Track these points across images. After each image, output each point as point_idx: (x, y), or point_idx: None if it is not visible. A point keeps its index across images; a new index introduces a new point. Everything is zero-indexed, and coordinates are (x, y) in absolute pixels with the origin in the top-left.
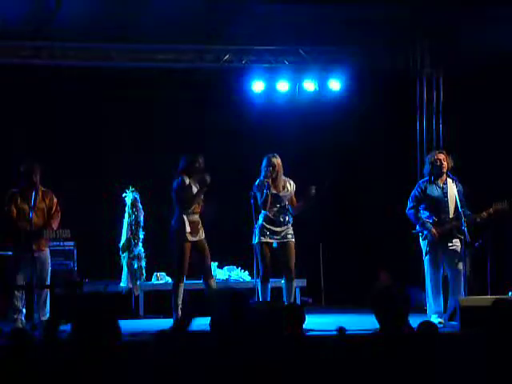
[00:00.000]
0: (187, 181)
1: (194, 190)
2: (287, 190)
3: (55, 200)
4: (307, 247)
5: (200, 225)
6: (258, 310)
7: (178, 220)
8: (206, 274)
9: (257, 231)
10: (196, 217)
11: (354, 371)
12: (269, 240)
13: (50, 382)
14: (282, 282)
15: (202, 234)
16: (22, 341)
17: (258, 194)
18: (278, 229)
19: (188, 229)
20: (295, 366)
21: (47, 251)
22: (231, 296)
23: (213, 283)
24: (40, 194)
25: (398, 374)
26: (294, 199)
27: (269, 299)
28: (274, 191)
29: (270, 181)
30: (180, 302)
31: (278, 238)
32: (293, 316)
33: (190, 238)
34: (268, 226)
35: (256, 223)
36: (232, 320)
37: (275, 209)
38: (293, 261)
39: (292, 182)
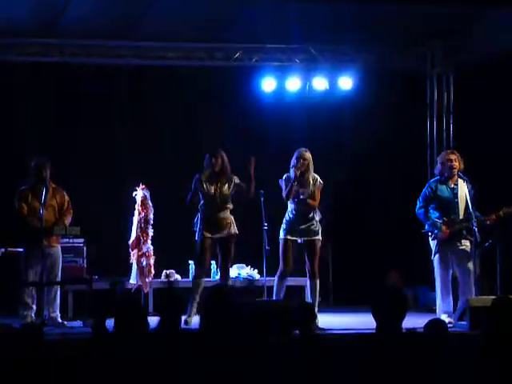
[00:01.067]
0: (201, 179)
1: (208, 188)
2: (311, 185)
3: (67, 197)
4: None
5: (227, 221)
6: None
7: (197, 216)
8: (221, 275)
9: (282, 227)
10: (219, 214)
11: (363, 369)
12: (293, 238)
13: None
14: (307, 280)
15: (228, 232)
16: (33, 337)
17: (284, 187)
18: (303, 226)
19: (204, 225)
20: (307, 364)
21: (58, 247)
22: (215, 292)
23: (227, 279)
24: (50, 190)
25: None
26: (316, 196)
27: (282, 296)
28: (301, 189)
29: (299, 173)
30: (197, 297)
31: (303, 235)
32: (305, 314)
33: (206, 234)
34: (293, 224)
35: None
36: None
37: (299, 204)
38: (317, 258)
39: (318, 178)
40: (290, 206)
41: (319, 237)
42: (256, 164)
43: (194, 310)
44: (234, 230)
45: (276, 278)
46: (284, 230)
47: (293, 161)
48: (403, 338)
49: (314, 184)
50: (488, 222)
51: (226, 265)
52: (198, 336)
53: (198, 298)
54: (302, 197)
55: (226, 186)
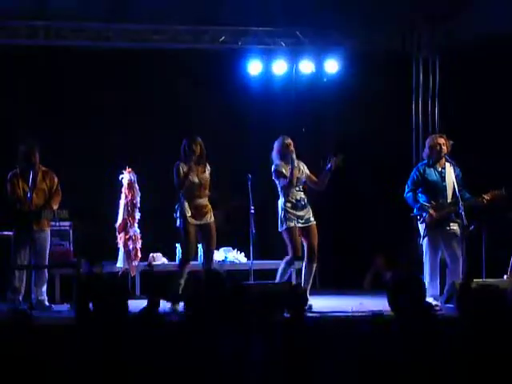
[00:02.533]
0: (182, 167)
1: (191, 175)
2: (302, 173)
3: (56, 180)
4: None
5: (207, 208)
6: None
7: (179, 204)
8: (205, 260)
9: (282, 218)
10: (201, 201)
11: (355, 351)
12: (296, 224)
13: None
14: (303, 264)
15: (209, 218)
16: (22, 321)
17: (280, 175)
18: (301, 213)
19: (188, 213)
20: (296, 347)
21: (48, 231)
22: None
23: (211, 265)
24: (40, 174)
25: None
26: (313, 176)
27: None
28: (298, 175)
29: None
30: (182, 282)
31: (302, 221)
32: (295, 297)
33: (192, 221)
34: (291, 211)
35: (280, 210)
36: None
37: (294, 192)
38: (316, 242)
39: (303, 163)
40: (287, 194)
41: (314, 221)
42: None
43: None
44: (212, 217)
45: (283, 263)
46: (286, 218)
47: (277, 148)
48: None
49: (303, 170)
50: (482, 201)
51: (210, 251)
52: (184, 321)
53: (183, 284)
54: (301, 187)
55: (206, 172)
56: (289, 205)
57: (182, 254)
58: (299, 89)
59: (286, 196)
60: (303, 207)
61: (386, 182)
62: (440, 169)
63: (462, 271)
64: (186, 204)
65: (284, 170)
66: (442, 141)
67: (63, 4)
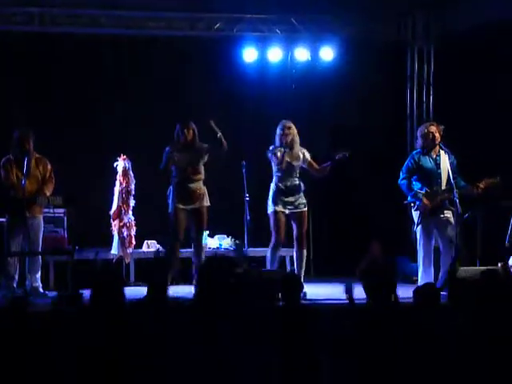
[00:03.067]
0: (172, 151)
1: (178, 159)
2: (300, 159)
3: (49, 167)
4: None
5: (199, 192)
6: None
7: (169, 188)
8: (194, 246)
9: (270, 201)
10: (192, 185)
11: (349, 338)
12: (282, 209)
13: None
14: (294, 251)
15: (200, 202)
16: (20, 307)
17: (273, 158)
18: (291, 198)
19: (176, 197)
20: (292, 334)
21: (41, 218)
22: (221, 263)
23: (201, 253)
24: (34, 161)
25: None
26: (315, 164)
27: (276, 267)
28: (288, 160)
29: (288, 140)
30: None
31: (291, 207)
32: (291, 285)
33: (180, 205)
34: (281, 196)
35: (270, 193)
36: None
37: (288, 178)
38: (304, 229)
39: (306, 151)
40: (278, 178)
41: (306, 208)
42: (215, 122)
43: (169, 281)
44: (207, 201)
45: (269, 249)
46: (273, 202)
47: (278, 133)
48: (396, 308)
49: (304, 158)
50: (476, 189)
51: (199, 236)
52: (193, 305)
53: (172, 270)
54: (294, 174)
55: (198, 157)
56: (278, 189)
57: (170, 239)
58: (294, 76)
59: (277, 180)
60: (294, 193)
61: (380, 169)
62: (435, 156)
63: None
64: (175, 189)
65: (279, 153)
66: (433, 128)
67: None
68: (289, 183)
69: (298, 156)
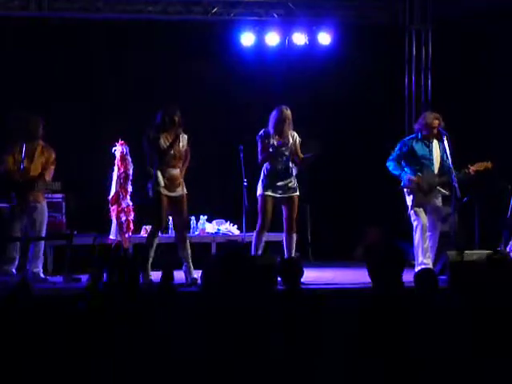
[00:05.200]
0: (156, 135)
1: (163, 144)
2: (290, 142)
3: (53, 155)
4: None
5: (179, 180)
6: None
7: (153, 173)
8: (179, 233)
9: (260, 184)
10: (174, 172)
11: (349, 323)
12: (271, 194)
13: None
14: (283, 235)
15: (181, 190)
16: (24, 291)
17: (260, 145)
18: (281, 182)
19: (162, 183)
20: (293, 319)
21: (44, 204)
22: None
23: (185, 243)
24: (39, 148)
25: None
26: (299, 152)
27: (261, 252)
28: (282, 146)
29: (276, 136)
30: (153, 254)
31: (281, 192)
32: (291, 269)
33: (164, 192)
34: (271, 180)
35: (261, 175)
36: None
37: (279, 160)
38: (295, 214)
39: (296, 135)
40: (270, 160)
41: (297, 193)
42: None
43: (149, 267)
44: (184, 190)
45: (255, 233)
46: (263, 185)
47: (272, 118)
48: (403, 294)
49: (294, 141)
50: (469, 172)
51: (181, 224)
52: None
53: (153, 255)
54: (285, 156)
55: (181, 143)
56: (269, 172)
57: (153, 224)
58: (292, 60)
59: (269, 163)
60: (285, 177)
61: (378, 153)
62: (428, 143)
63: (453, 243)
64: (160, 174)
65: (268, 141)
66: (436, 122)
67: None
68: (280, 166)
69: (289, 138)
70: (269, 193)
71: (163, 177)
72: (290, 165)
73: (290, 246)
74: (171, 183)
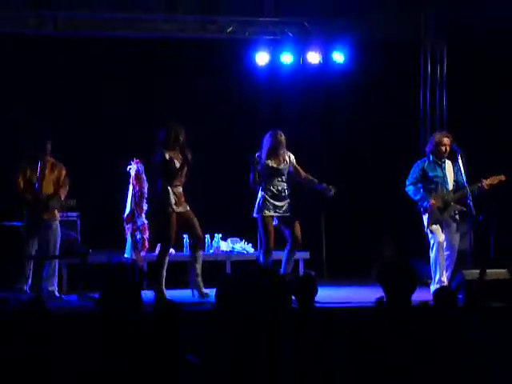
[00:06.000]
0: (167, 155)
1: (176, 163)
2: (286, 163)
3: (64, 172)
4: (309, 220)
5: (183, 198)
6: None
7: (163, 191)
8: (195, 242)
9: (259, 205)
10: (180, 189)
11: (364, 342)
12: (272, 214)
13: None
14: (284, 252)
15: (186, 206)
16: (41, 311)
17: (252, 166)
18: (280, 203)
19: (173, 200)
20: (307, 337)
21: (57, 222)
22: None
23: (199, 253)
24: (49, 165)
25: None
26: (299, 169)
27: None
28: (274, 165)
29: (272, 159)
30: (165, 272)
31: (281, 212)
32: (305, 288)
33: (175, 208)
34: (270, 200)
35: (259, 196)
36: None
37: (276, 182)
38: (298, 231)
39: (291, 155)
40: (265, 183)
41: (294, 213)
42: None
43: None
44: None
45: (261, 255)
46: (262, 207)
47: (266, 142)
48: (414, 311)
49: (290, 160)
50: (482, 186)
51: (199, 237)
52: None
53: (165, 274)
54: (282, 177)
55: (184, 161)
56: (269, 193)
57: (165, 241)
58: (306, 79)
59: (266, 185)
60: (283, 198)
61: (394, 171)
62: (440, 163)
63: (467, 262)
64: (171, 190)
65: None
66: (446, 141)
67: None
68: (280, 188)
69: (285, 160)
70: (268, 213)
71: (173, 193)
72: (285, 186)
73: (288, 264)
74: (178, 200)
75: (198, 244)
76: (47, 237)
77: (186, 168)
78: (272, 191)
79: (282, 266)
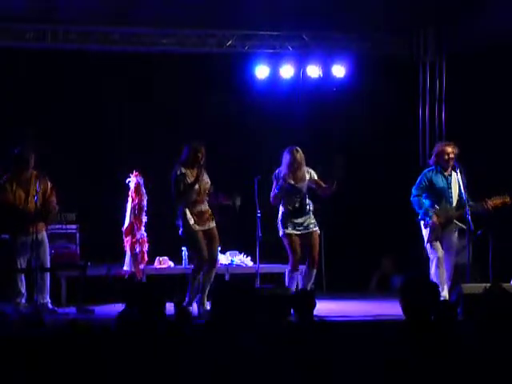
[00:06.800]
0: (182, 169)
1: (188, 179)
2: (305, 180)
3: (49, 184)
4: None
5: (208, 214)
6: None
7: (181, 212)
8: (210, 264)
9: (280, 224)
10: (201, 207)
11: (363, 357)
12: (292, 232)
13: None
14: (304, 268)
15: (211, 223)
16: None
17: (274, 182)
18: (300, 220)
19: (191, 220)
20: (306, 351)
21: (44, 233)
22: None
23: (212, 274)
24: (33, 177)
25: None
26: (321, 183)
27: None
28: (292, 182)
29: (290, 176)
30: (199, 288)
31: (301, 228)
32: (304, 302)
33: (196, 228)
34: (289, 218)
35: (279, 215)
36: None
37: (294, 199)
38: (316, 249)
39: (311, 170)
40: (285, 200)
41: (317, 228)
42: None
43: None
44: (214, 223)
45: (287, 271)
46: (283, 224)
47: (285, 160)
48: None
49: (311, 176)
50: (486, 207)
51: (215, 256)
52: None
53: (200, 289)
54: (301, 194)
55: (206, 178)
56: (287, 211)
57: (196, 259)
58: (306, 93)
59: (286, 202)
60: (303, 214)
61: (393, 186)
62: (447, 175)
63: (467, 275)
64: (188, 211)
65: (279, 181)
66: (449, 149)
67: (70, 8)
68: (297, 205)
69: (304, 177)
70: (290, 230)
71: (191, 213)
72: (307, 201)
73: (308, 281)
74: (200, 218)
75: (211, 266)
76: (37, 249)
77: (198, 186)
78: (289, 208)
79: (301, 281)
